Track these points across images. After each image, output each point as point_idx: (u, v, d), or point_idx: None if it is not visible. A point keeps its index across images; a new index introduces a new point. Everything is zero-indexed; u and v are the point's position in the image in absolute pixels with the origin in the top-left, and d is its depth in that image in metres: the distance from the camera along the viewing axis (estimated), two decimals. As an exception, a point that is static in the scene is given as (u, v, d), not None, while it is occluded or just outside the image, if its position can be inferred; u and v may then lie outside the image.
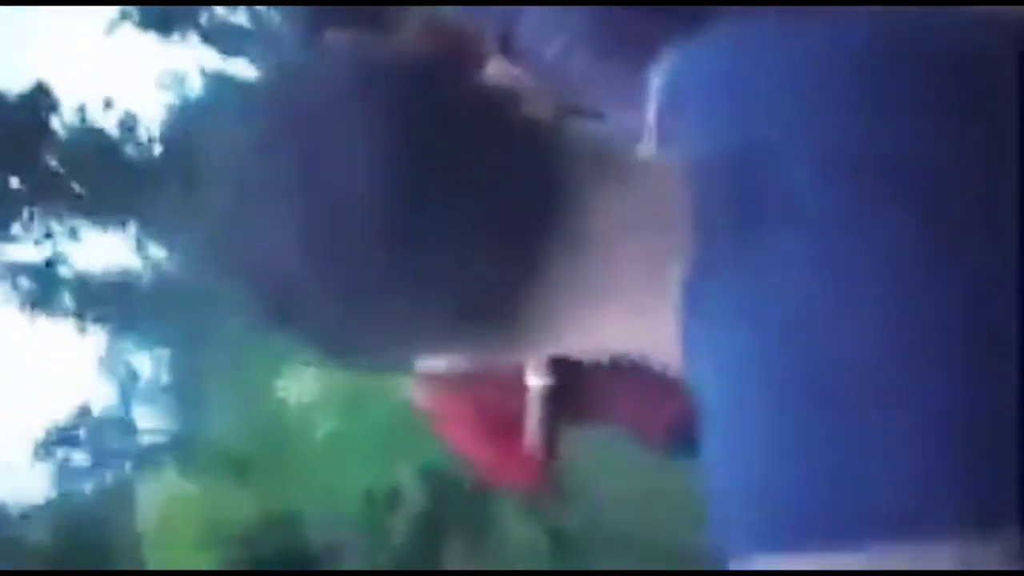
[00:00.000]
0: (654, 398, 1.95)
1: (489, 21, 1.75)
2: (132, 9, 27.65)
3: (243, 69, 28.13)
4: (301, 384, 10.89)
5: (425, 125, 0.62)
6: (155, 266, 28.44)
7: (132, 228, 27.91)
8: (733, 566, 0.71)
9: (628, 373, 1.99)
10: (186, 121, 27.32)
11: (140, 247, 28.75)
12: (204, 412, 19.28)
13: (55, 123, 26.19)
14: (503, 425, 2.08)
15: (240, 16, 28.80)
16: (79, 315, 26.14)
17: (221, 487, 10.85)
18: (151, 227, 27.93)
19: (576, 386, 2.01)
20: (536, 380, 1.98)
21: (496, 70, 1.52)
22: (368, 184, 0.61)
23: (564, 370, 1.96)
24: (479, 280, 0.63)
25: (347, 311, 0.64)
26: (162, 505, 12.38)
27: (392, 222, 0.61)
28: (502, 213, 0.64)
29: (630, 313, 0.70)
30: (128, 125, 27.56)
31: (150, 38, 29.31)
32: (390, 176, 0.61)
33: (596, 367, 1.84)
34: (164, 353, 25.86)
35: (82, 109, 27.17)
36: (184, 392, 22.58)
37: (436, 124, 0.62)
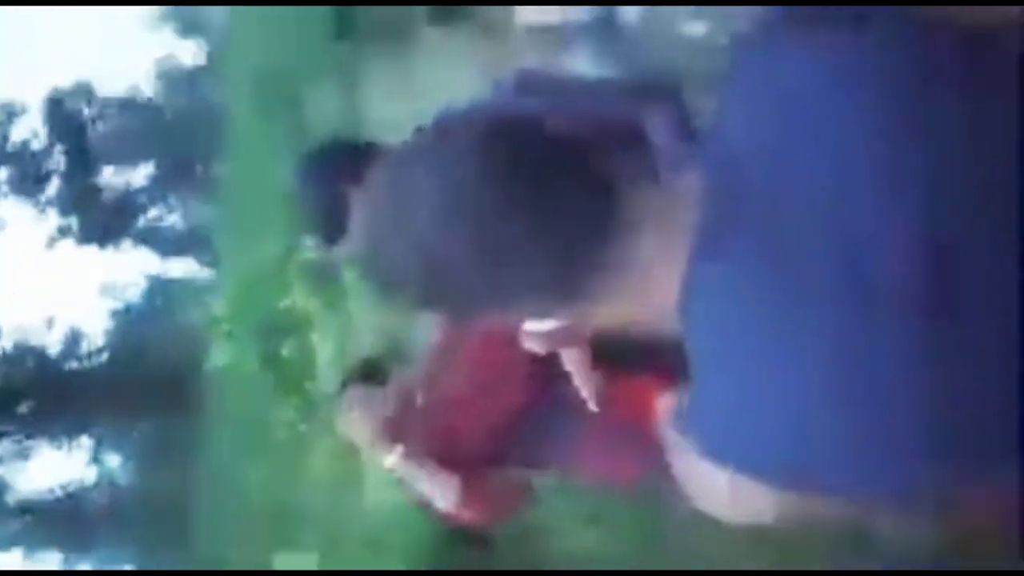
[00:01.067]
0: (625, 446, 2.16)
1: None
2: (71, 223, 27.90)
3: (186, 267, 28.37)
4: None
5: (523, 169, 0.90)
6: (110, 479, 27.61)
7: (86, 440, 27.25)
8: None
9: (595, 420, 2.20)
10: (130, 326, 27.17)
11: (95, 459, 28.04)
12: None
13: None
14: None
15: (175, 219, 29.22)
16: (28, 546, 25.07)
17: None
18: (105, 438, 27.31)
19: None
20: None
21: None
22: (495, 206, 0.89)
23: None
24: (561, 258, 0.89)
25: (480, 285, 0.90)
26: None
27: (508, 230, 0.89)
28: (571, 217, 0.90)
29: (647, 282, 0.93)
30: (71, 339, 27.34)
31: (89, 251, 29.51)
32: (508, 201, 0.89)
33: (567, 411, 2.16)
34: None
35: (22, 329, 26.96)
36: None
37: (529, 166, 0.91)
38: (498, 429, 2.26)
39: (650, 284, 0.93)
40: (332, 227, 1.95)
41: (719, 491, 0.94)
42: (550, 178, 0.90)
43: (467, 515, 2.27)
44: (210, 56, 23.19)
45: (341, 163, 1.94)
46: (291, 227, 9.07)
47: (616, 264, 0.90)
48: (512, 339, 1.91)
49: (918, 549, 2.34)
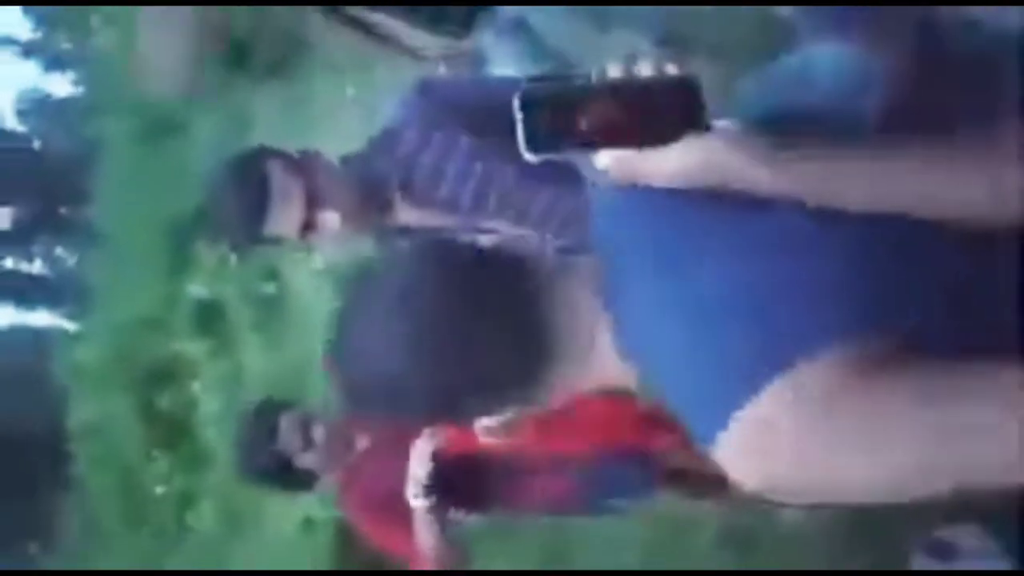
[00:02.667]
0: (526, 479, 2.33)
1: (390, 171, 2.06)
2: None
3: (45, 319, 26.89)
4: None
5: (453, 284, 1.00)
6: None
7: None
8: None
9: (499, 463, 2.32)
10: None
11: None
12: None
13: None
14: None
15: (36, 265, 27.80)
16: None
17: None
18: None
19: (457, 486, 2.25)
20: (417, 501, 2.19)
21: (405, 215, 2.10)
22: (434, 325, 0.98)
23: (443, 475, 2.20)
24: (509, 361, 0.99)
25: (433, 393, 0.99)
26: None
27: (452, 343, 0.98)
28: (510, 325, 1.00)
29: (586, 359, 1.04)
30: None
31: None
32: (447, 318, 0.98)
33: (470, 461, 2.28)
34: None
35: None
36: None
37: (460, 281, 1.00)
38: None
39: (598, 354, 1.02)
40: (250, 228, 1.96)
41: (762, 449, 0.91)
42: (488, 291, 0.98)
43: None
44: (83, 85, 22.12)
45: (264, 168, 1.96)
46: (171, 271, 8.54)
47: (565, 344, 1.00)
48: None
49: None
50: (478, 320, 0.97)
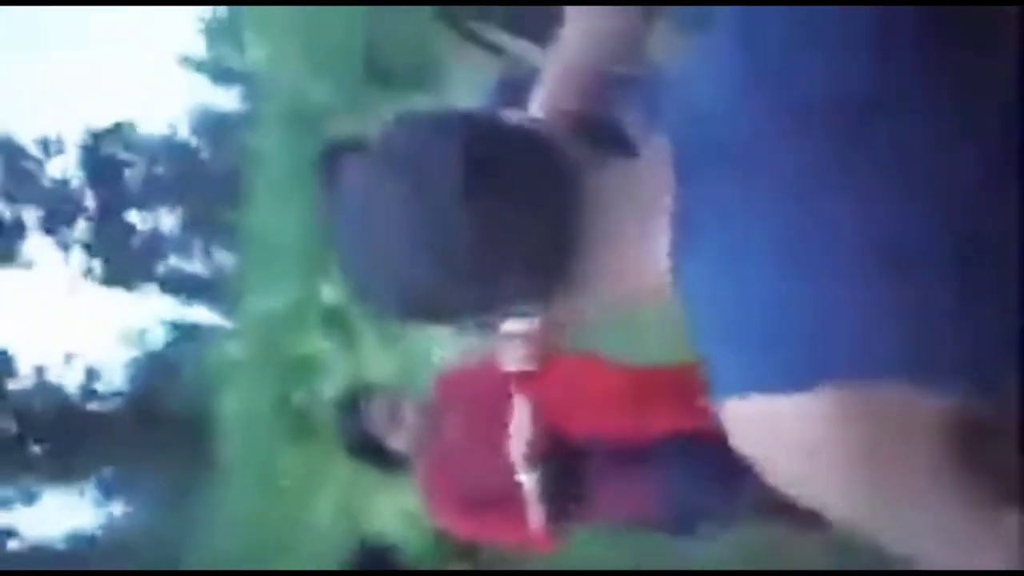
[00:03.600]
0: (637, 479, 2.31)
1: None
2: (95, 264, 28.08)
3: (201, 315, 28.41)
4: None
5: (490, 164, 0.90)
6: (117, 523, 27.30)
7: (93, 486, 26.96)
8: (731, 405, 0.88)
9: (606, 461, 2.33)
10: (149, 372, 27.10)
11: (104, 501, 27.71)
12: None
13: (12, 384, 25.83)
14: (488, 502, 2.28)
15: (196, 265, 29.35)
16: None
17: None
18: (116, 481, 27.00)
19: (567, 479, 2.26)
20: (525, 474, 2.18)
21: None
22: (463, 206, 0.88)
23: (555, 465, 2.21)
24: (535, 250, 0.90)
25: (455, 287, 0.89)
26: None
27: (479, 231, 0.88)
28: (542, 213, 0.90)
29: (625, 260, 0.93)
30: (90, 380, 27.29)
31: (112, 293, 29.66)
32: (478, 199, 0.88)
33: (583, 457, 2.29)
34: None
35: (41, 369, 26.96)
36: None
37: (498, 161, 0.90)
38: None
39: (628, 261, 0.94)
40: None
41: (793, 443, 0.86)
42: (512, 173, 0.89)
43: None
44: (244, 99, 23.41)
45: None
46: (310, 273, 9.01)
47: (591, 247, 0.91)
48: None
49: None
50: (498, 200, 0.87)
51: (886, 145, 0.85)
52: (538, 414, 2.16)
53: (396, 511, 5.39)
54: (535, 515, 2.22)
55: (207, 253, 28.23)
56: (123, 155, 27.62)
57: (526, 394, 2.19)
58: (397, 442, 2.40)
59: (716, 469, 2.27)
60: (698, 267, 0.90)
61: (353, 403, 2.44)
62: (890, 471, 0.84)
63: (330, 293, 7.63)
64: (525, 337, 1.12)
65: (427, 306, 0.91)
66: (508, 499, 2.23)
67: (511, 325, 1.06)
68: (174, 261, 28.45)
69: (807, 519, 2.42)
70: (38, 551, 25.21)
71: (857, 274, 0.83)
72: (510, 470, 2.21)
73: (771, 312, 0.85)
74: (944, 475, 0.84)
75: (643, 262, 0.91)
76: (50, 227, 27.40)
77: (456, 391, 2.44)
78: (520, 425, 2.17)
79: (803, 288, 0.84)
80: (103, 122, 27.92)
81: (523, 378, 2.10)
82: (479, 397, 2.34)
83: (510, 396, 2.20)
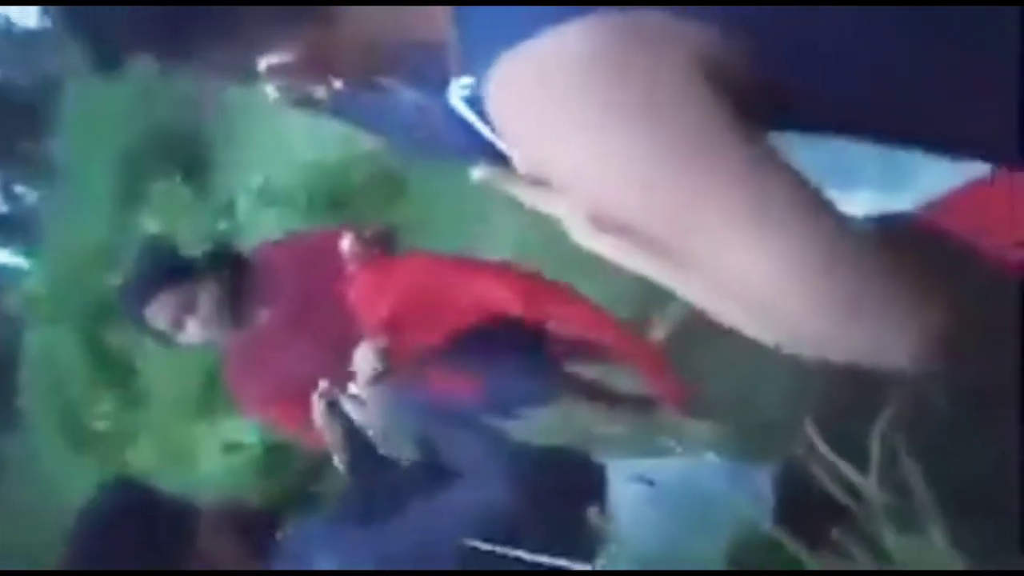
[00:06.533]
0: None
1: None
2: None
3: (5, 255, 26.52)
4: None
5: None
6: None
7: None
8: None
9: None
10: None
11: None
12: None
13: None
14: None
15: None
16: None
17: None
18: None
19: None
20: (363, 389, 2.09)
21: None
22: None
23: None
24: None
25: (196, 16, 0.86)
26: None
27: None
28: None
29: None
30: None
31: None
32: None
33: None
34: None
35: None
36: None
37: None
38: None
39: None
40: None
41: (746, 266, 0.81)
42: None
43: None
44: (50, 19, 21.70)
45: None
46: (127, 202, 8.49)
47: None
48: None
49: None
50: None
51: None
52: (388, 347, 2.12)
53: (219, 445, 5.22)
54: (329, 432, 2.11)
55: (6, 188, 26.32)
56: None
57: (361, 293, 2.16)
58: (185, 337, 2.34)
59: (525, 354, 2.34)
60: None
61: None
62: (642, 96, 0.79)
63: (151, 224, 7.23)
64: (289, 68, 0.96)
65: (161, 27, 0.89)
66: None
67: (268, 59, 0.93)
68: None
69: (611, 399, 2.53)
70: None
71: None
72: (327, 364, 2.15)
73: None
74: (704, 108, 0.79)
75: None
76: None
77: (281, 264, 2.39)
78: (366, 356, 2.13)
79: None
80: None
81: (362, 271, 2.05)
82: (307, 278, 2.30)
83: (341, 285, 2.18)
